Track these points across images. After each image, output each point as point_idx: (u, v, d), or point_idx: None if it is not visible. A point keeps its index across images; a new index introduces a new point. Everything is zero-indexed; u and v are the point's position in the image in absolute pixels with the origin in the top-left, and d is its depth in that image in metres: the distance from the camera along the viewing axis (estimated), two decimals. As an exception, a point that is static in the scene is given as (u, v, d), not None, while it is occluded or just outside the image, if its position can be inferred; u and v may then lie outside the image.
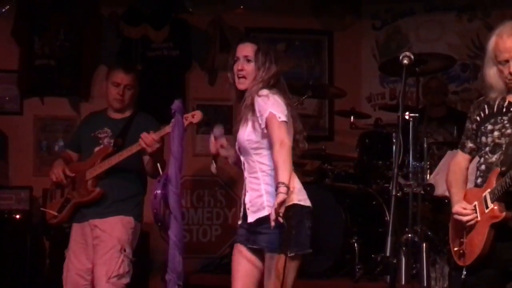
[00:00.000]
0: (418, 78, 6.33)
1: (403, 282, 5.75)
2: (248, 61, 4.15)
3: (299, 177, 4.17)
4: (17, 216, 7.09)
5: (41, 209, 5.46)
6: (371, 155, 6.66)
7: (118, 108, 5.34)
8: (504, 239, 3.78)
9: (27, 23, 7.64)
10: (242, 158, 4.18)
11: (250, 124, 4.08)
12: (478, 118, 4.00)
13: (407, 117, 5.80)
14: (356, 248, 6.08)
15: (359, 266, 6.02)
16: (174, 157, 4.11)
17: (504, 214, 3.73)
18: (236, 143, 4.19)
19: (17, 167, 7.59)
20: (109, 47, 7.80)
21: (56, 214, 5.28)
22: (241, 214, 4.19)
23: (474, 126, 4.02)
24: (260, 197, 4.07)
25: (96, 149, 5.26)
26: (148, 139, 4.88)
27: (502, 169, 3.78)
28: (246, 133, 4.09)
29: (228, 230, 7.61)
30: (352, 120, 7.02)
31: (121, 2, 7.80)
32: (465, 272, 3.88)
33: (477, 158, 4.04)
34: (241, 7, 7.98)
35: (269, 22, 7.99)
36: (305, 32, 8.23)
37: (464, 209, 3.87)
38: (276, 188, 3.86)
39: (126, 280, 5.12)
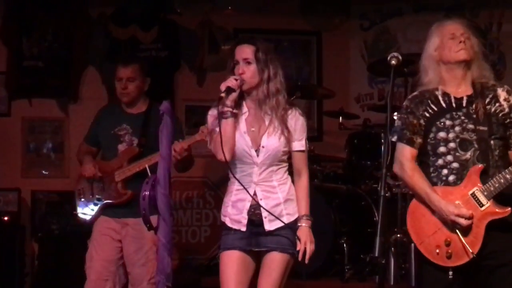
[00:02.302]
0: (406, 79, 6.35)
1: (391, 283, 5.76)
2: (248, 63, 4.12)
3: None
4: (5, 218, 7.08)
5: (74, 212, 5.48)
6: (359, 156, 6.67)
7: (126, 102, 5.39)
8: (490, 230, 3.83)
9: (15, 24, 7.62)
10: (257, 163, 4.11)
11: (286, 135, 4.12)
12: (426, 114, 4.04)
13: (395, 117, 5.80)
14: (345, 249, 6.09)
15: (348, 267, 6.04)
16: (162, 158, 4.10)
17: (509, 209, 3.79)
18: (246, 146, 4.13)
19: (5, 168, 7.56)
20: (98, 48, 7.79)
21: (88, 214, 5.37)
22: (245, 221, 4.12)
23: (422, 121, 4.05)
24: (279, 206, 4.11)
25: (121, 148, 5.31)
26: (178, 147, 4.91)
27: (484, 165, 3.84)
28: (283, 144, 4.12)
29: (218, 231, 7.56)
30: (340, 121, 7.04)
31: (109, 3, 7.80)
32: (451, 272, 3.88)
33: None
34: (230, 8, 7.99)
35: (257, 22, 7.99)
36: (293, 32, 8.24)
37: (465, 212, 3.85)
38: (300, 219, 4.14)
39: None
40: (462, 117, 3.95)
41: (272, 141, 4.10)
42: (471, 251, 3.83)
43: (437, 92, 4.04)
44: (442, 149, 3.97)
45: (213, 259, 7.02)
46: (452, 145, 3.94)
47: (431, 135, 4.01)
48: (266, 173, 4.12)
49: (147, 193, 4.16)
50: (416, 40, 7.96)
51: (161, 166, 4.08)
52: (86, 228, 6.08)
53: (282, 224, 4.08)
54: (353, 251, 6.12)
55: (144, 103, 5.40)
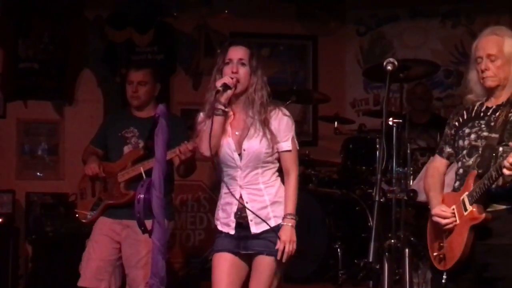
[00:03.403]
0: (402, 84, 6.33)
1: (386, 288, 5.76)
2: (243, 64, 4.13)
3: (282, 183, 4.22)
4: (0, 220, 7.06)
5: (75, 210, 5.53)
6: (354, 161, 6.67)
7: (136, 106, 5.42)
8: (484, 239, 3.80)
9: (11, 26, 7.61)
10: (240, 167, 4.12)
11: (268, 137, 4.10)
12: (456, 123, 4.05)
13: (390, 122, 5.80)
14: (339, 253, 6.09)
15: (342, 271, 6.04)
16: (157, 161, 4.10)
17: (484, 215, 3.74)
18: (229, 150, 4.13)
19: (-1, 170, 7.56)
20: (94, 51, 7.80)
21: (89, 214, 5.37)
22: (233, 224, 4.15)
23: (452, 131, 4.06)
24: (265, 208, 4.12)
25: (126, 150, 5.34)
26: (182, 148, 4.95)
27: (479, 171, 3.80)
28: (265, 146, 4.10)
29: (212, 235, 7.57)
30: (336, 126, 7.04)
31: (106, 5, 7.80)
32: (445, 277, 3.90)
33: (455, 165, 4.08)
34: (226, 11, 7.99)
35: (253, 26, 7.99)
36: (289, 37, 8.25)
37: (443, 211, 3.89)
38: (284, 218, 4.09)
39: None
40: (482, 126, 3.91)
41: (252, 144, 4.10)
42: (442, 255, 3.88)
43: (477, 103, 4.01)
44: (459, 156, 3.99)
45: (208, 262, 7.02)
46: (464, 152, 3.94)
47: (456, 144, 4.01)
48: (251, 176, 4.13)
49: (142, 196, 4.17)
50: (412, 46, 7.99)
51: (156, 169, 4.09)
52: (80, 230, 6.09)
53: (268, 227, 4.08)
54: (347, 256, 6.12)
55: (153, 107, 5.38)
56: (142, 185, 4.27)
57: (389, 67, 4.01)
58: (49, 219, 6.99)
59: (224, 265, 4.15)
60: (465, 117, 4.02)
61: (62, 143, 7.68)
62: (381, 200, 3.79)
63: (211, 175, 7.30)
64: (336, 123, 7.06)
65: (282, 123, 4.15)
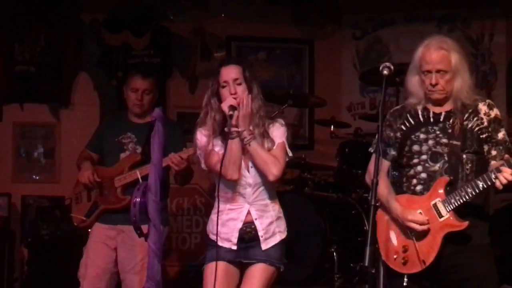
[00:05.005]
0: (398, 88, 6.35)
1: (381, 292, 5.75)
2: (239, 84, 4.16)
3: (279, 186, 4.23)
4: (-5, 223, 7.06)
5: (71, 215, 5.51)
6: (350, 164, 6.67)
7: (137, 113, 5.43)
8: (450, 241, 3.88)
9: (7, 29, 7.60)
10: (250, 184, 4.18)
11: (269, 145, 4.19)
12: (403, 127, 4.12)
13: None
14: (335, 257, 6.09)
15: (338, 275, 6.04)
16: (153, 165, 4.09)
17: (466, 223, 3.83)
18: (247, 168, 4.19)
19: (-5, 173, 7.56)
20: (90, 54, 7.79)
21: (84, 219, 5.36)
22: (235, 239, 4.20)
23: (398, 134, 4.13)
24: (272, 224, 4.21)
25: (123, 155, 5.34)
26: (176, 159, 4.97)
27: (451, 178, 3.89)
28: None
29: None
30: (332, 129, 7.04)
31: (102, 9, 7.79)
32: (407, 279, 3.95)
33: None
34: (222, 15, 7.98)
35: (250, 30, 8.00)
36: (286, 40, 8.25)
37: (420, 217, 3.93)
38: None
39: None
40: (437, 132, 4.01)
41: None
42: (423, 260, 3.91)
43: (418, 107, 4.11)
44: (415, 160, 4.05)
45: (204, 265, 7.00)
46: (424, 157, 4.02)
47: (406, 148, 4.08)
48: (259, 192, 4.20)
49: (138, 199, 4.16)
50: (408, 50, 7.89)
51: (152, 173, 4.08)
52: (76, 233, 6.09)
53: (275, 242, 4.19)
54: (343, 260, 6.12)
55: (150, 113, 5.40)
56: (138, 188, 4.26)
57: (385, 71, 4.03)
58: (45, 222, 6.99)
59: (221, 276, 4.17)
60: (412, 121, 4.10)
61: (58, 146, 7.68)
62: (377, 204, 3.80)
63: (207, 179, 7.29)
64: (332, 126, 7.06)
65: (278, 129, 4.22)
